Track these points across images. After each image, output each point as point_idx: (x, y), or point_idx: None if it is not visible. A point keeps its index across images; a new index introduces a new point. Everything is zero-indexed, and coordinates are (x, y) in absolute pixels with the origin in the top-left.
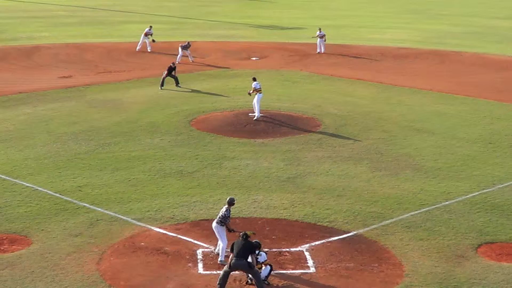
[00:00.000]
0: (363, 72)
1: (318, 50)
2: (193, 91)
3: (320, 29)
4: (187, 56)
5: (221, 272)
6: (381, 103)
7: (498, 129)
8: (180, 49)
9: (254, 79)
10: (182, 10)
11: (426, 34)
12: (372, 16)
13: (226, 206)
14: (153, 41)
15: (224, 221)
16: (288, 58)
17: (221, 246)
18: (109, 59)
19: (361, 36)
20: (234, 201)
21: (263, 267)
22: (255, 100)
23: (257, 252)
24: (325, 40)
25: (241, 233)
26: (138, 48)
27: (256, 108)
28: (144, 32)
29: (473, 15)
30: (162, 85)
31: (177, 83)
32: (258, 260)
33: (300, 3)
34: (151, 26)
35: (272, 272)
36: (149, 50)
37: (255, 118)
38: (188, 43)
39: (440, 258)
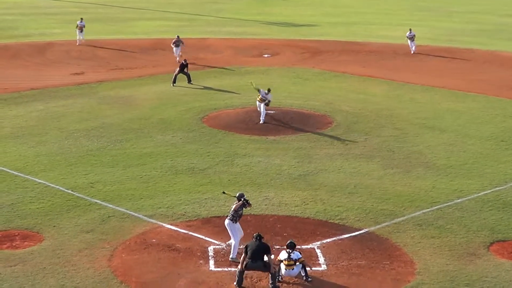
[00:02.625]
0: (375, 70)
1: (412, 51)
2: (204, 88)
3: (410, 30)
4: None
5: (237, 274)
6: (393, 101)
7: (510, 126)
8: (173, 46)
9: (269, 90)
10: (193, 7)
11: (437, 31)
12: (383, 13)
13: (237, 202)
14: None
15: (238, 213)
16: (300, 55)
17: (233, 243)
18: (121, 56)
19: (373, 33)
20: (243, 197)
21: (297, 264)
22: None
23: (290, 250)
24: (414, 41)
25: (254, 234)
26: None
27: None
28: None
29: (485, 13)
30: (174, 82)
31: (189, 80)
32: (291, 257)
33: (311, 0)
34: (82, 18)
35: (307, 268)
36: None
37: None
38: (178, 37)
39: (452, 256)
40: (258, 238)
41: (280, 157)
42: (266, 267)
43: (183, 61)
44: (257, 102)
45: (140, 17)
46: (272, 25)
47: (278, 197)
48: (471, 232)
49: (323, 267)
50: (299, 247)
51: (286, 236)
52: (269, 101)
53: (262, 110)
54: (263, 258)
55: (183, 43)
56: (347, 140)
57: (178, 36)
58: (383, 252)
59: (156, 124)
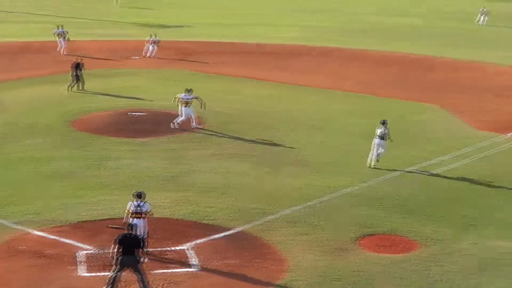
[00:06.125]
0: (250, 71)
1: (148, 54)
2: (74, 91)
3: (153, 35)
4: None
5: (112, 275)
6: (267, 100)
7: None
8: None
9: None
10: (68, 9)
11: (311, 31)
12: (259, 14)
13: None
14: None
15: None
16: (172, 57)
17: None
18: None
19: (248, 33)
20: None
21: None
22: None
23: (142, 203)
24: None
25: (126, 223)
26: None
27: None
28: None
29: (360, 13)
30: (70, 86)
31: (82, 86)
32: (143, 210)
33: (191, 2)
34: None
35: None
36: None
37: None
38: None
39: (324, 252)
40: (129, 227)
41: (151, 159)
42: (138, 262)
43: (79, 60)
44: (181, 108)
45: (5, 20)
46: (146, 27)
47: (148, 199)
48: (341, 227)
49: (196, 268)
50: (172, 248)
51: (158, 238)
52: (195, 98)
53: (192, 114)
54: (135, 253)
55: None
56: (221, 141)
57: None
58: (255, 251)
59: (24, 128)
